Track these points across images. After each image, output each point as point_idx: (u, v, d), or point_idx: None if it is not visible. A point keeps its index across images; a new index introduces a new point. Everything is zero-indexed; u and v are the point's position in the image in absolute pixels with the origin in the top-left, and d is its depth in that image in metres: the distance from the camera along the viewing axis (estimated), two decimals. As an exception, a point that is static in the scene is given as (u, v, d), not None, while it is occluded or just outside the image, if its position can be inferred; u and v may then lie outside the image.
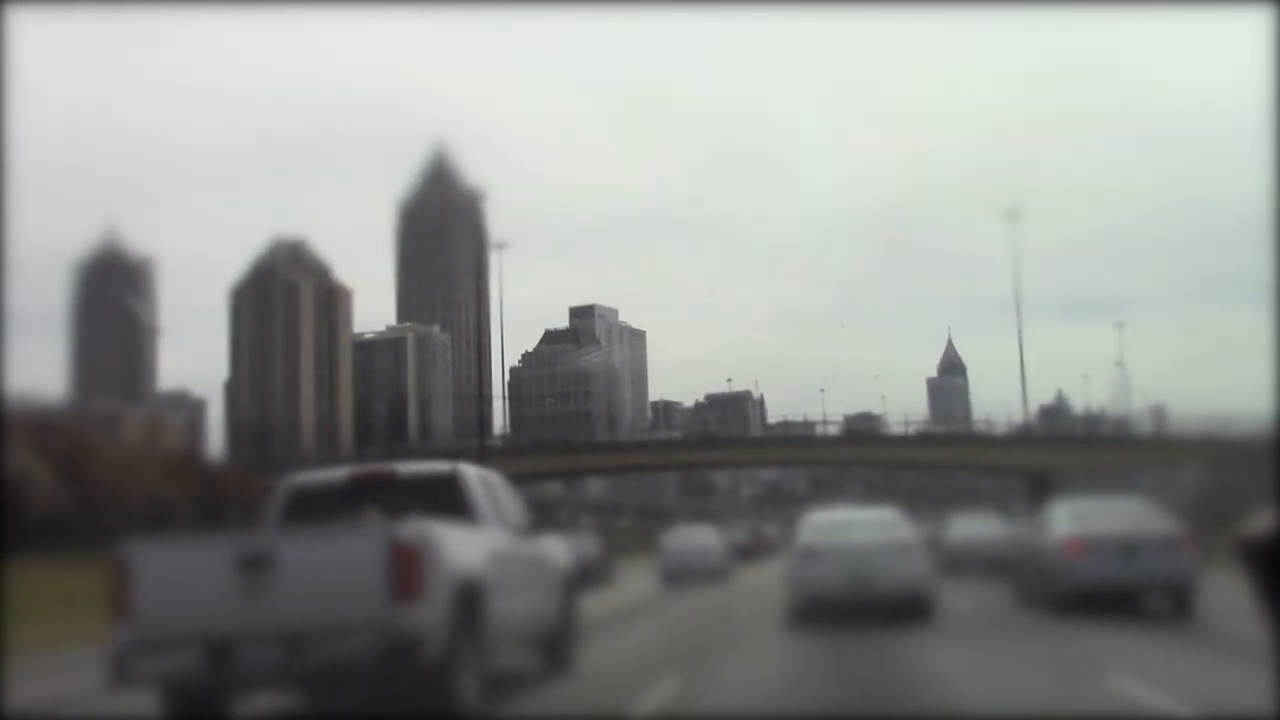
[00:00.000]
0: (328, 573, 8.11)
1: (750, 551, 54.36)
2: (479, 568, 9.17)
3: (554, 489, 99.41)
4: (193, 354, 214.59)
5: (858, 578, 16.32)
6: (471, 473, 10.76)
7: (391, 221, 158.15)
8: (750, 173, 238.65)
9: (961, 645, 13.41)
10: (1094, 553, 16.24)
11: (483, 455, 47.62)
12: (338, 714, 9.69)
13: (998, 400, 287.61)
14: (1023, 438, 70.54)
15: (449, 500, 10.07)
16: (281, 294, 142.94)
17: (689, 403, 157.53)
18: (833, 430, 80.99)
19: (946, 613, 16.81)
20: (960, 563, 28.64)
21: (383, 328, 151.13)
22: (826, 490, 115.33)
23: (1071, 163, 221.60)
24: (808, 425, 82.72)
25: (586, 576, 24.60)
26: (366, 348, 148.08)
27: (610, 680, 11.35)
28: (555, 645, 11.74)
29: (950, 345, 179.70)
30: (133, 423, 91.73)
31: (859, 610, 15.81)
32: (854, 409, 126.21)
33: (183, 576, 8.31)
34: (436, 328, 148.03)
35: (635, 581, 34.89)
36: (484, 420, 77.86)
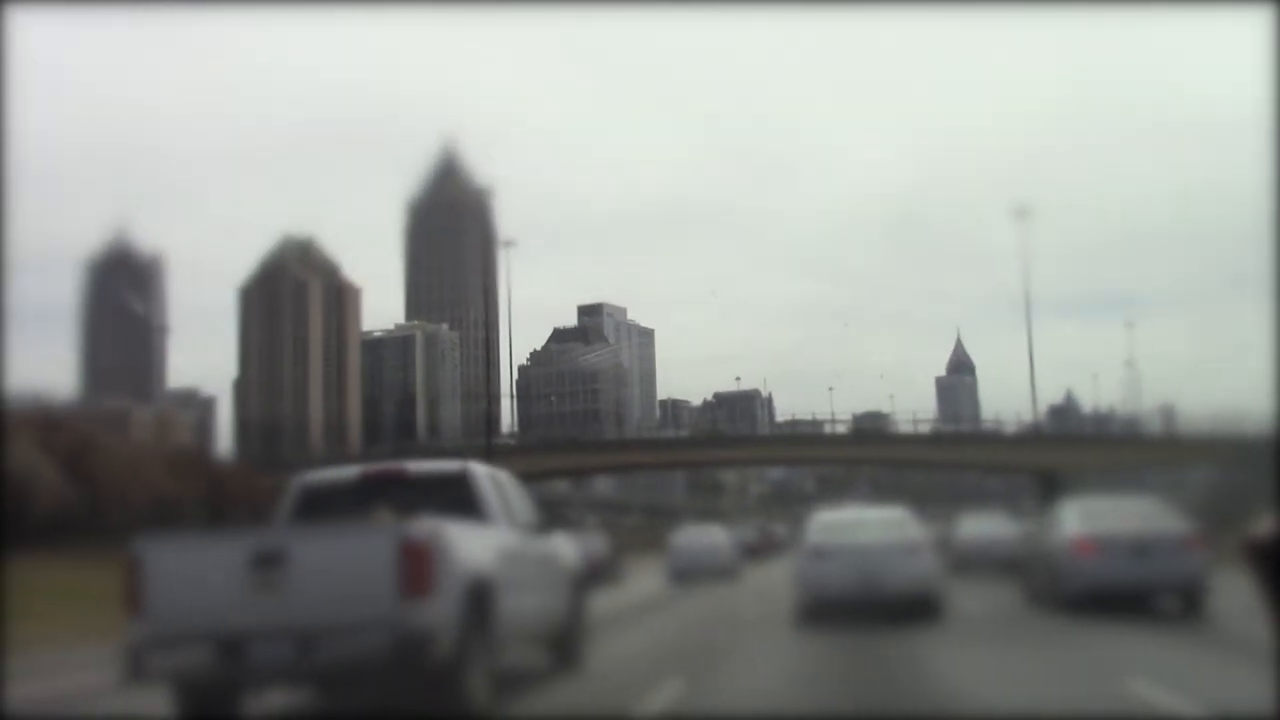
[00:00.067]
0: (339, 570, 8.14)
1: (758, 550, 54.34)
2: (489, 566, 9.19)
3: (562, 487, 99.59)
4: (201, 352, 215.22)
5: (866, 577, 16.27)
6: (482, 471, 10.79)
7: (400, 220, 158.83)
8: (760, 171, 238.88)
9: (970, 645, 13.39)
10: (1104, 552, 16.17)
11: (490, 453, 47.59)
12: (348, 711, 9.73)
13: (1007, 399, 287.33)
14: (1032, 437, 70.36)
15: (460, 499, 10.07)
16: (290, 292, 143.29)
17: (697, 401, 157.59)
18: (841, 429, 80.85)
19: (955, 613, 16.79)
20: (969, 562, 28.59)
21: (391, 326, 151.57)
22: (835, 489, 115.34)
23: (1082, 162, 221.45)
24: (816, 424, 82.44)
25: (595, 575, 24.61)
26: (375, 346, 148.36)
27: (618, 679, 11.34)
28: (564, 644, 11.74)
29: (959, 344, 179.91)
30: (142, 421, 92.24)
31: (867, 610, 15.76)
32: (862, 408, 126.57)
33: (195, 573, 8.35)
34: (445, 326, 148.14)
35: (644, 580, 34.87)
36: (492, 418, 77.97)
